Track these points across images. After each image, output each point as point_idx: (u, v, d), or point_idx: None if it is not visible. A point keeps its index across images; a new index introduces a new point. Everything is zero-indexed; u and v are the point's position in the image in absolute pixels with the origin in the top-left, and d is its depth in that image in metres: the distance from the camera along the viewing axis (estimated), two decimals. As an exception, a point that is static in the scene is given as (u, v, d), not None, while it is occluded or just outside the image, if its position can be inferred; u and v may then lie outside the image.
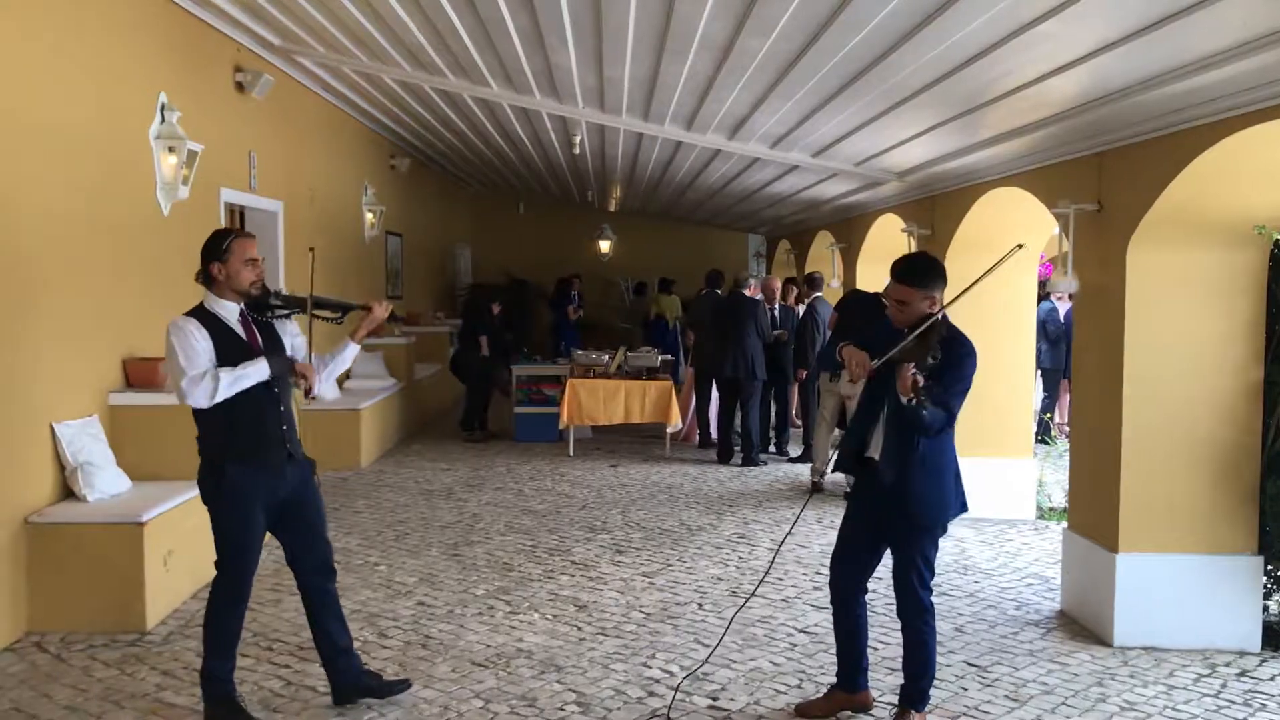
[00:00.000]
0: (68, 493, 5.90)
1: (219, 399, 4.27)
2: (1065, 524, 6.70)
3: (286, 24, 7.83)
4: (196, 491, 6.15)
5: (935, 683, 5.17)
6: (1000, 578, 7.09)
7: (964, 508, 4.58)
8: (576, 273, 20.01)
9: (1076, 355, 6.66)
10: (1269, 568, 5.87)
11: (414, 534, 7.97)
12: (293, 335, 4.65)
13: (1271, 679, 5.40)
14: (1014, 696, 5.08)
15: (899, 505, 4.43)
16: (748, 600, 6.09)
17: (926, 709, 4.68)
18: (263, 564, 6.98)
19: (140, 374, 6.53)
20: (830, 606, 4.83)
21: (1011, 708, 4.94)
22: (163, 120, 6.87)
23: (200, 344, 4.29)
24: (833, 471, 4.82)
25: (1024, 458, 8.82)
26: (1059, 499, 9.08)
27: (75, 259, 6.00)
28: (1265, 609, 5.91)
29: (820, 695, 4.88)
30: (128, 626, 5.65)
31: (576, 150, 11.60)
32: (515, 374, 12.81)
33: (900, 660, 5.50)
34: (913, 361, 4.12)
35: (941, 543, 7.83)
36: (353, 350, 4.74)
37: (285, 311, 4.59)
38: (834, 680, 4.89)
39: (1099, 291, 6.16)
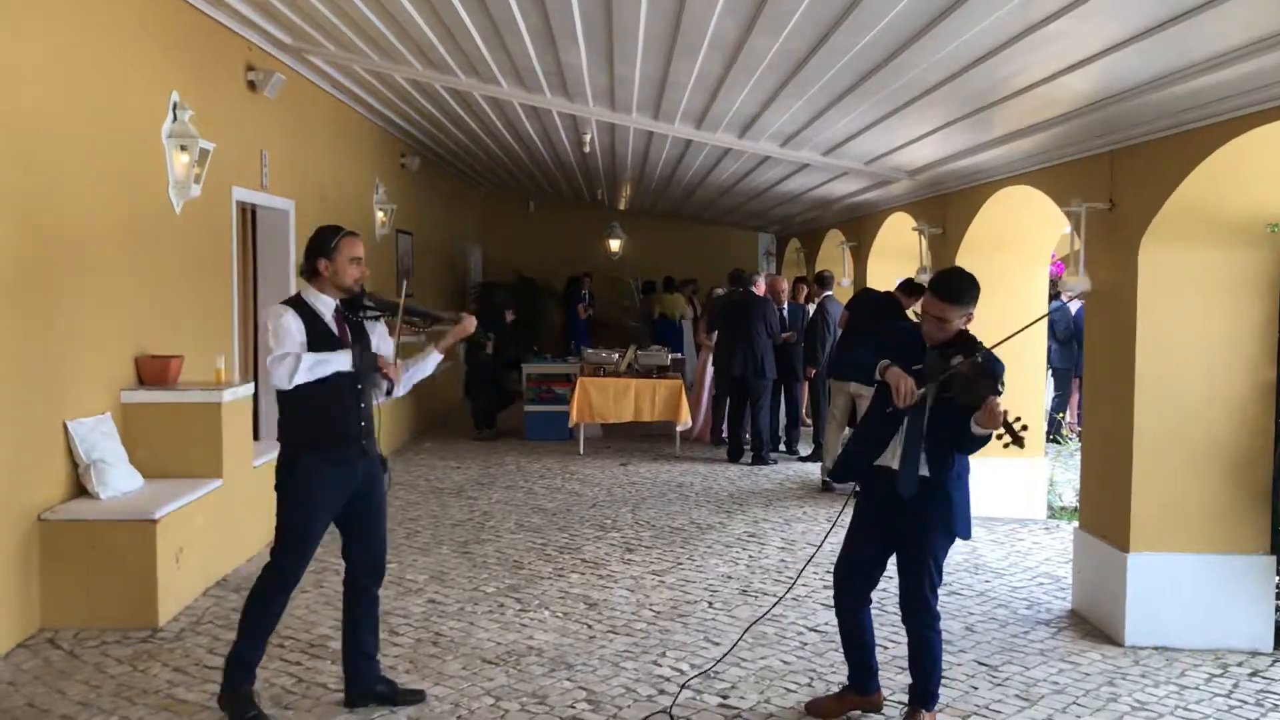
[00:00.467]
0: (80, 490, 5.92)
1: (298, 380, 4.32)
2: (1076, 523, 6.69)
3: (298, 22, 7.84)
4: (207, 489, 6.26)
5: (946, 682, 5.17)
6: (1011, 577, 7.08)
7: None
8: (587, 271, 20.01)
9: (1087, 354, 6.65)
10: (1281, 567, 5.86)
11: (424, 532, 7.99)
12: (381, 337, 4.72)
13: (1283, 679, 5.39)
14: (1025, 696, 5.07)
15: (934, 514, 4.41)
16: (769, 610, 6.08)
17: (937, 708, 4.67)
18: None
19: (152, 371, 6.55)
20: (836, 613, 4.80)
21: (1022, 707, 4.94)
22: (174, 119, 6.88)
23: (294, 327, 4.37)
24: (837, 480, 4.82)
25: (1035, 457, 8.80)
26: (1070, 498, 9.07)
27: (87, 257, 6.02)
28: (1278, 609, 5.89)
29: (832, 694, 4.88)
30: (140, 623, 5.68)
31: (586, 149, 11.60)
32: (526, 373, 12.82)
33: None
34: (979, 390, 4.11)
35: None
36: (435, 359, 4.84)
37: (376, 313, 4.67)
38: (845, 680, 4.88)
39: (1110, 290, 6.15)
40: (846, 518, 4.76)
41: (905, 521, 4.47)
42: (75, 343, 5.91)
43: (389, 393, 4.71)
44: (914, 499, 4.39)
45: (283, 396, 4.45)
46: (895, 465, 4.44)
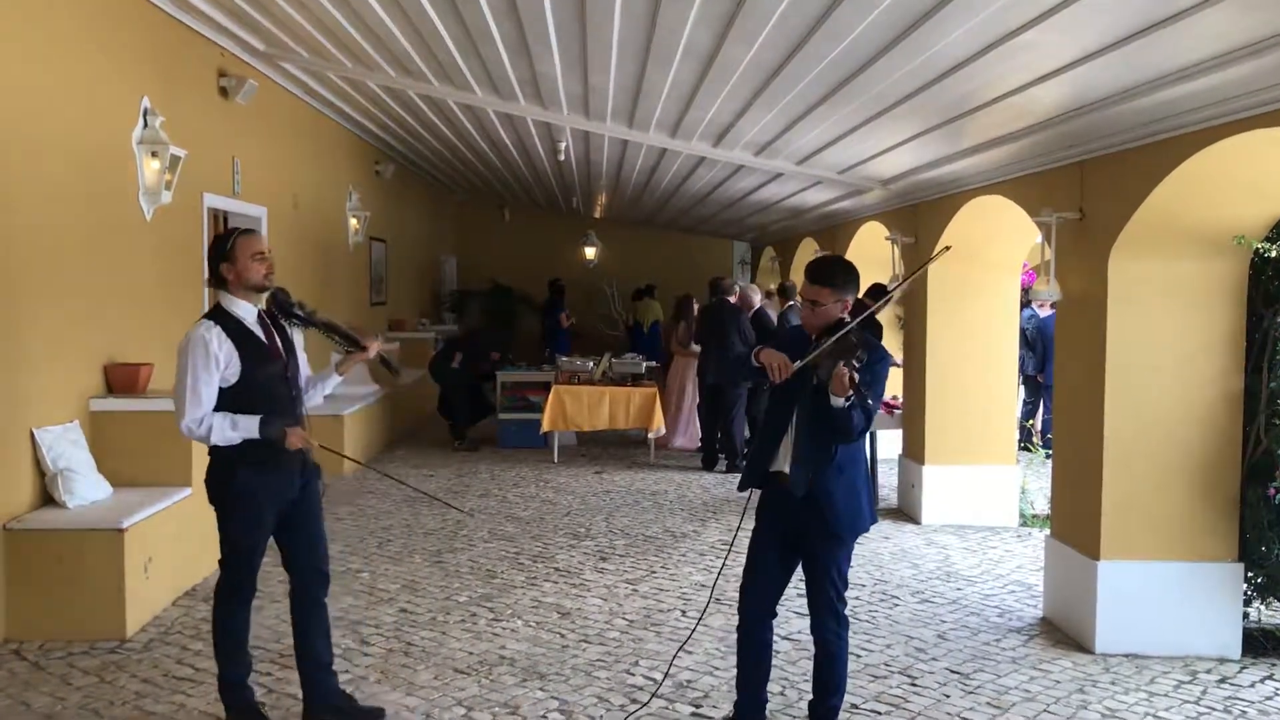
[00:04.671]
0: (48, 499, 5.86)
1: (212, 442, 4.30)
2: (1048, 531, 6.73)
3: (271, 29, 7.81)
4: (177, 498, 6.20)
5: (918, 690, 5.20)
6: (983, 584, 7.11)
7: (875, 518, 4.49)
8: (559, 280, 20.01)
9: (1058, 364, 6.69)
10: (1249, 575, 5.90)
11: (396, 540, 7.95)
12: (300, 349, 4.66)
13: (1251, 686, 5.43)
14: (996, 703, 5.09)
15: (815, 515, 4.29)
16: (709, 604, 6.07)
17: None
18: (244, 571, 6.98)
19: (122, 380, 6.49)
20: (738, 625, 4.57)
21: (994, 714, 4.95)
22: (145, 125, 6.84)
23: (213, 363, 4.24)
24: (739, 490, 4.68)
25: (1007, 464, 8.86)
26: (1042, 506, 9.11)
27: (57, 264, 5.97)
28: (1245, 616, 5.94)
29: None
30: (107, 634, 5.61)
31: (561, 157, 11.60)
32: (500, 381, 12.77)
33: (882, 668, 5.52)
34: (841, 361, 4.01)
35: (925, 549, 7.90)
36: (335, 381, 4.78)
37: (302, 325, 4.62)
38: (731, 714, 4.69)
39: (1081, 300, 6.19)
40: (747, 530, 4.68)
41: (799, 525, 4.36)
42: (43, 350, 5.85)
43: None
44: (809, 503, 4.28)
45: (216, 407, 4.33)
46: (786, 469, 4.35)
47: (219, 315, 4.38)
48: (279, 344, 4.49)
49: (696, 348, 12.22)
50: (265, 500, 4.41)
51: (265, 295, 4.49)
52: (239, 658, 4.53)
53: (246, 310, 4.42)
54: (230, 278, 4.38)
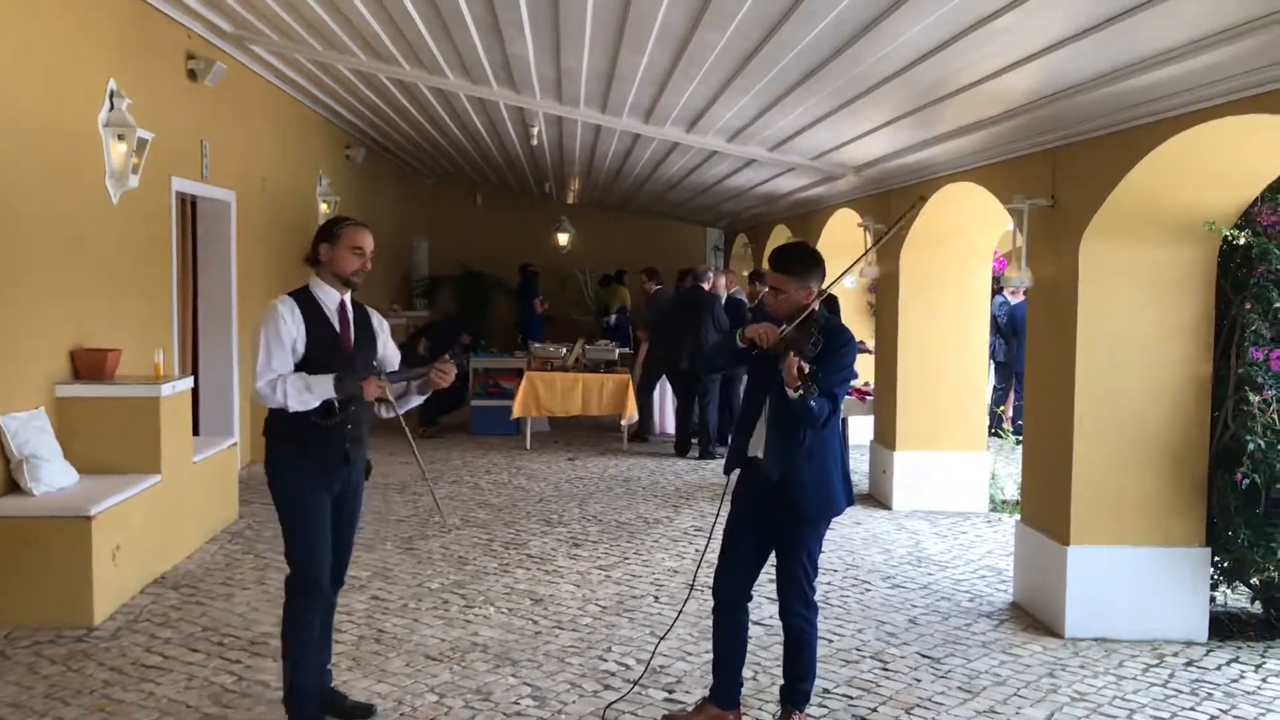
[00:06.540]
0: (13, 486, 5.78)
1: (292, 407, 4.19)
2: (1018, 516, 6.77)
3: (239, 11, 7.72)
4: (145, 484, 6.15)
5: (890, 674, 5.22)
6: (954, 570, 7.15)
7: (850, 501, 4.50)
8: (528, 263, 19.95)
9: (1029, 350, 6.72)
10: (1216, 559, 5.96)
11: (368, 528, 7.90)
12: (385, 343, 4.58)
13: (1218, 668, 5.48)
14: (967, 687, 5.12)
15: (786, 500, 4.30)
16: (690, 594, 6.08)
17: (807, 707, 4.57)
18: (212, 557, 6.94)
19: (89, 365, 6.42)
20: (714, 608, 4.58)
21: (964, 699, 4.98)
22: (112, 107, 6.74)
23: (285, 330, 4.22)
24: (724, 473, 4.69)
25: (977, 450, 8.90)
26: (1012, 491, 9.18)
27: (21, 248, 5.88)
28: (1212, 600, 6.00)
29: (691, 709, 4.68)
30: (75, 622, 5.55)
31: (534, 141, 11.54)
32: (473, 367, 12.71)
33: (853, 653, 5.54)
34: (793, 350, 4.02)
35: (896, 535, 7.93)
36: (415, 401, 4.64)
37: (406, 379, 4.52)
38: (707, 693, 4.68)
39: (1052, 286, 6.22)
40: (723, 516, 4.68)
41: (772, 508, 4.37)
42: (7, 335, 5.77)
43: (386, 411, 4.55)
44: (780, 488, 4.29)
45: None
46: (760, 454, 4.36)
47: (299, 292, 4.36)
48: (350, 336, 4.41)
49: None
50: (305, 477, 4.30)
51: (350, 289, 4.40)
52: (309, 664, 4.36)
53: (329, 296, 4.37)
54: (324, 259, 4.34)
